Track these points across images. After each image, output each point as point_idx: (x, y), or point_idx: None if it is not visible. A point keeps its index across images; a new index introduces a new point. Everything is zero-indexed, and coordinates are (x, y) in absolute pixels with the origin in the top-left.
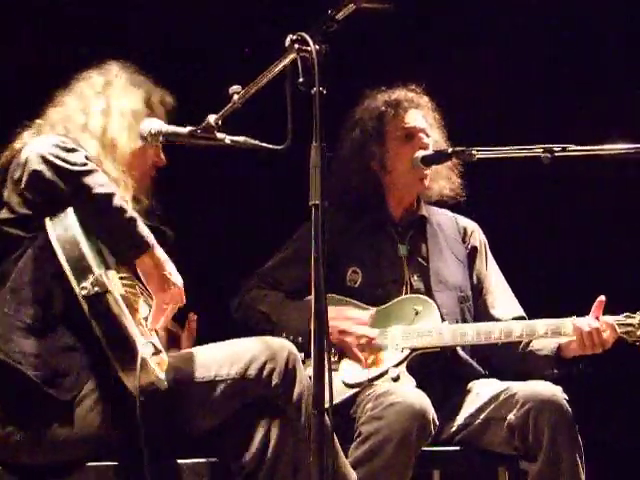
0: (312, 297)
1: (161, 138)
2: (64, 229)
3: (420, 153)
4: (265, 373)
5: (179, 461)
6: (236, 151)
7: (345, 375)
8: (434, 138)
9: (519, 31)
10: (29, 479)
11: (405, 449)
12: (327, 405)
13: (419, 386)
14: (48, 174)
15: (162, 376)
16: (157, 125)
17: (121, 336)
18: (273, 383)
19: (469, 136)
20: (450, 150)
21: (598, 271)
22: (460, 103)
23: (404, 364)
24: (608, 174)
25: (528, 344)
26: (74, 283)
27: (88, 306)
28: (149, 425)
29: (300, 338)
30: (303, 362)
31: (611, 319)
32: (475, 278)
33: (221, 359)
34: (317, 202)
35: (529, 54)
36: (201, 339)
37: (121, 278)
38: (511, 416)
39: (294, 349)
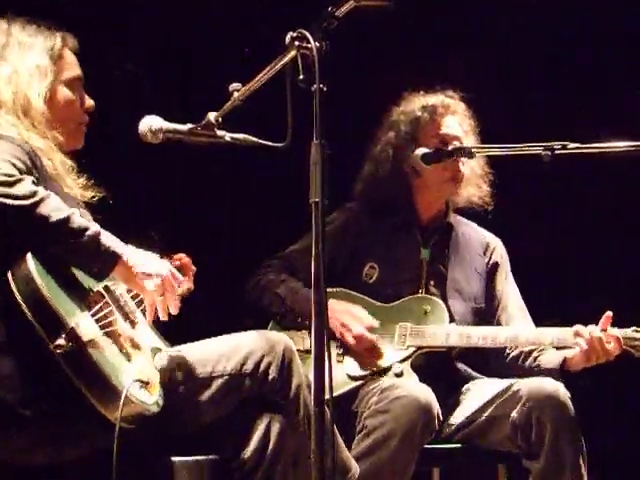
0: (312, 291)
1: (161, 135)
2: (25, 283)
3: (420, 150)
4: (262, 367)
5: (178, 459)
6: (236, 148)
7: (350, 368)
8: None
9: (519, 31)
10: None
11: (409, 443)
12: (327, 397)
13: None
14: None
15: (151, 400)
16: (157, 122)
17: (104, 386)
18: (270, 377)
19: None
20: (450, 148)
21: (599, 272)
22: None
23: (408, 361)
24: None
25: (535, 358)
26: (47, 341)
27: (65, 363)
28: (149, 425)
29: None
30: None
31: (618, 332)
32: (493, 294)
33: (218, 355)
34: (317, 199)
35: (529, 54)
36: (203, 334)
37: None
38: (514, 414)
39: (290, 343)
